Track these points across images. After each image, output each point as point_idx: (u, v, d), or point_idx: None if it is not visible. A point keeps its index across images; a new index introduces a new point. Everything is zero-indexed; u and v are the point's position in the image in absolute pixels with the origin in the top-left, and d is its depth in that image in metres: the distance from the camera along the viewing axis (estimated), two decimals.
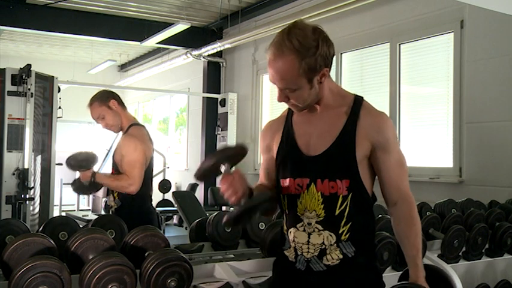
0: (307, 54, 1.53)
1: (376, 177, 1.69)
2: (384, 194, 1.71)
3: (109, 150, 9.59)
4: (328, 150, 1.63)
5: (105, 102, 3.15)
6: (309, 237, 1.64)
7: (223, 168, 1.60)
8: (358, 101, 1.69)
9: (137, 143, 3.11)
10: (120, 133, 3.28)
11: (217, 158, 1.60)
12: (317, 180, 1.63)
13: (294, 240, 1.68)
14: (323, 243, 1.63)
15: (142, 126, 3.29)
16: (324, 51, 1.54)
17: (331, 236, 1.63)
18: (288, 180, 1.69)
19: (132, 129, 3.18)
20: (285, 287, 1.74)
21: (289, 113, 1.77)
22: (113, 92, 3.28)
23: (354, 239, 1.63)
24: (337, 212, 1.62)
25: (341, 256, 1.62)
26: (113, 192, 3.18)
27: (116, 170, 3.18)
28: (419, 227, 1.73)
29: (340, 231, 1.62)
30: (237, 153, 1.65)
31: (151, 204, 3.31)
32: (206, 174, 1.65)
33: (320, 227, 1.63)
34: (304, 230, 1.65)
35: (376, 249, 1.82)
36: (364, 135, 1.62)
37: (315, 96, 1.63)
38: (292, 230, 1.68)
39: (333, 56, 1.62)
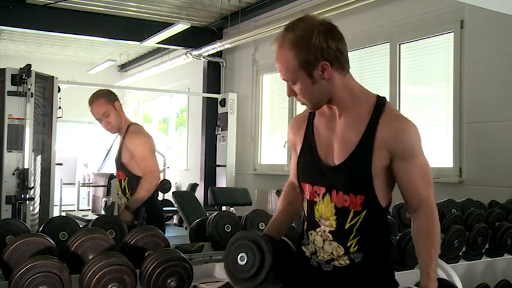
0: (300, 46, 1.50)
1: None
2: (405, 200, 1.66)
3: (109, 150, 9.62)
4: (345, 162, 1.58)
5: (112, 101, 3.20)
6: (323, 243, 1.66)
7: None
8: (380, 103, 1.61)
9: (142, 137, 3.22)
10: (117, 135, 3.34)
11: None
12: (332, 191, 1.61)
13: (314, 242, 1.68)
14: (332, 253, 1.64)
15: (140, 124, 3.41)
16: (318, 43, 1.49)
17: (339, 247, 1.62)
18: (307, 185, 1.68)
19: (133, 127, 3.25)
20: (300, 278, 1.76)
21: (311, 113, 1.72)
22: (115, 93, 3.34)
23: (362, 250, 1.61)
24: (347, 226, 1.61)
25: (348, 262, 1.63)
26: (125, 193, 3.19)
27: (125, 171, 3.19)
28: (437, 237, 1.65)
29: (348, 245, 1.62)
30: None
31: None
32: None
33: (331, 237, 1.64)
34: (321, 236, 1.66)
35: (390, 250, 1.76)
36: (383, 145, 1.56)
37: (323, 93, 1.57)
38: (312, 232, 1.69)
39: (339, 51, 1.54)
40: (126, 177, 3.21)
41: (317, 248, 1.67)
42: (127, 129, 3.23)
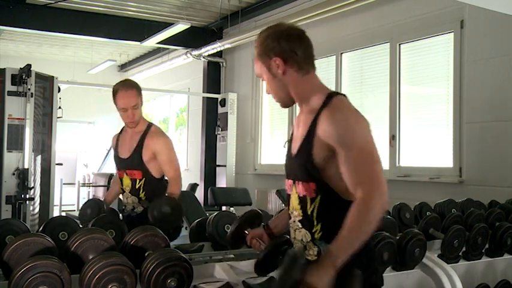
0: (260, 46, 1.75)
1: None
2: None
3: (109, 150, 9.59)
4: (297, 153, 1.72)
5: (141, 95, 3.14)
6: (295, 233, 1.77)
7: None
8: (329, 97, 1.69)
9: (168, 139, 3.19)
10: (120, 133, 3.27)
11: (240, 223, 2.06)
12: (295, 182, 1.74)
13: (293, 236, 1.80)
14: (302, 240, 1.74)
15: None
16: (271, 42, 1.72)
17: (307, 234, 1.72)
18: (286, 180, 1.82)
19: (154, 127, 3.19)
20: None
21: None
22: None
23: (327, 238, 1.64)
24: (308, 212, 1.70)
25: (316, 253, 1.70)
26: (138, 193, 3.09)
27: (143, 171, 3.08)
28: (355, 234, 1.53)
29: (313, 230, 1.70)
30: (254, 218, 2.05)
31: None
32: (234, 238, 2.07)
33: (300, 225, 1.75)
34: (293, 227, 1.78)
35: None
36: (322, 136, 1.64)
37: (282, 88, 1.76)
38: (292, 225, 1.80)
39: (293, 51, 1.70)
40: (143, 177, 3.09)
41: (293, 239, 1.79)
42: (148, 128, 3.14)
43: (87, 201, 3.48)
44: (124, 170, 3.15)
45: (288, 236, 1.88)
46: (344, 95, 1.73)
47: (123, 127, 3.29)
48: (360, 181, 1.57)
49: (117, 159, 3.24)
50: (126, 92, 3.06)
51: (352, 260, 1.52)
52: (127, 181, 3.13)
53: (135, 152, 3.11)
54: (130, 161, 3.12)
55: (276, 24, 1.78)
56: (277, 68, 1.72)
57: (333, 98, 1.68)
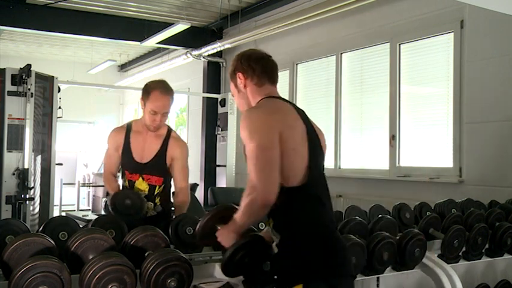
0: (230, 66, 2.14)
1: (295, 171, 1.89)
2: None
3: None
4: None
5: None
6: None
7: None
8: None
9: (187, 148, 3.18)
10: (133, 133, 3.04)
11: (210, 216, 2.09)
12: None
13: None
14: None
15: None
16: (235, 62, 2.10)
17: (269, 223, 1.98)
18: None
19: (174, 132, 3.08)
20: None
21: None
22: None
23: (278, 230, 1.91)
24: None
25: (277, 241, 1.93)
26: (154, 199, 2.98)
27: (165, 177, 2.99)
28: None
29: (269, 222, 1.97)
30: (227, 213, 2.04)
31: None
32: (204, 233, 2.08)
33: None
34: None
35: (301, 239, 1.88)
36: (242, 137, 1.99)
37: (244, 100, 2.10)
38: None
39: (252, 68, 2.05)
40: (163, 184, 3.00)
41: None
42: (169, 132, 3.03)
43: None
44: (140, 174, 2.98)
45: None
46: (274, 97, 2.04)
47: (129, 125, 3.07)
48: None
49: (132, 163, 2.99)
50: (165, 95, 2.90)
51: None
52: (143, 186, 2.98)
53: (157, 157, 2.97)
54: (151, 166, 2.97)
55: (245, 50, 2.15)
56: (240, 82, 2.08)
57: (258, 102, 2.04)
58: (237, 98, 2.14)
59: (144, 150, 3.00)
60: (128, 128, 3.05)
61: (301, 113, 2.02)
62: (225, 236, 1.96)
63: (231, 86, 2.15)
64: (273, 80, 2.09)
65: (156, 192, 3.01)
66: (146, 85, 2.97)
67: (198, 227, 2.10)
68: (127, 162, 3.01)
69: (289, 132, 1.88)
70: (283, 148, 1.85)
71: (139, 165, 2.98)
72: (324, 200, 1.96)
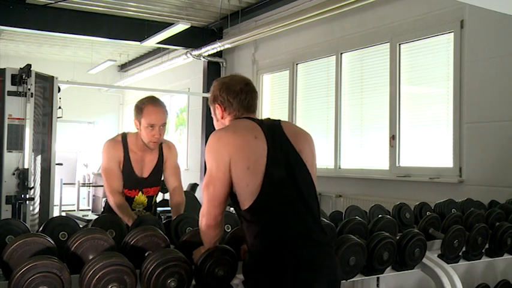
0: (210, 92, 2.20)
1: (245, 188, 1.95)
2: None
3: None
4: None
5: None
6: None
7: None
8: None
9: (176, 148, 3.18)
10: (130, 151, 2.97)
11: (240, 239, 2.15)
12: None
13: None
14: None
15: None
16: (214, 92, 2.16)
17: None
18: None
19: (164, 139, 3.07)
20: None
21: None
22: None
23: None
24: None
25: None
26: (150, 209, 3.01)
27: (159, 185, 2.98)
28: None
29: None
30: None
31: None
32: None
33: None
34: None
35: (262, 259, 1.93)
36: None
37: (221, 127, 2.14)
38: None
39: (229, 101, 2.10)
40: (158, 191, 3.04)
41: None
42: (161, 143, 3.04)
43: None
44: (139, 189, 2.97)
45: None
46: (242, 117, 2.10)
47: (124, 140, 2.97)
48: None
49: (133, 179, 2.96)
50: (157, 107, 2.88)
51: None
52: (141, 199, 2.99)
53: (157, 168, 2.99)
54: (151, 178, 2.98)
55: (226, 76, 2.22)
56: (218, 113, 2.16)
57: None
58: (215, 123, 2.20)
59: (144, 166, 2.99)
60: (124, 144, 2.97)
61: (269, 128, 2.03)
62: (198, 253, 2.06)
63: (211, 110, 2.20)
64: (251, 110, 2.14)
65: (153, 201, 3.07)
66: (136, 104, 2.93)
67: (242, 253, 2.16)
68: (128, 180, 2.95)
69: (241, 153, 1.93)
70: (236, 170, 1.92)
71: (140, 180, 2.97)
72: (282, 214, 1.93)
